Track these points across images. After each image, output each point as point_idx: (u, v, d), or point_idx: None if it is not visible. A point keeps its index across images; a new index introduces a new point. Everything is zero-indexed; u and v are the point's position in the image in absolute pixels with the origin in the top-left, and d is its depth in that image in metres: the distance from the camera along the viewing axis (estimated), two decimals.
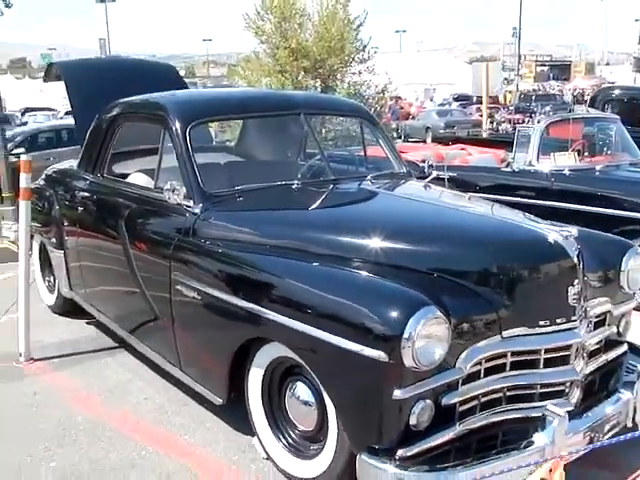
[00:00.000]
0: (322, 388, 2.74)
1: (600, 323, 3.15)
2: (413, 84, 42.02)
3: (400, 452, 2.49)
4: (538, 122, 6.36)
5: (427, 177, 4.07)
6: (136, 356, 4.36)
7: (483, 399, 2.69)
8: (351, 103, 5.64)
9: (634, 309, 3.46)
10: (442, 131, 22.02)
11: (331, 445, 2.78)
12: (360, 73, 13.07)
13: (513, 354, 2.72)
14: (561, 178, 5.94)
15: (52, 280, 5.41)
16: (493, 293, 2.73)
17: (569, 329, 2.81)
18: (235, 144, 5.41)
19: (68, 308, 5.23)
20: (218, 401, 3.28)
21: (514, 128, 8.80)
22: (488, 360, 2.66)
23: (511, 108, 25.59)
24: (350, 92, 12.44)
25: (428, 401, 2.52)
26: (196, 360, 3.52)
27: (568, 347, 2.82)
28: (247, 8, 12.93)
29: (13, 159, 9.64)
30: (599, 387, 3.12)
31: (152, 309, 3.75)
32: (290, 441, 3.04)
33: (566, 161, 6.05)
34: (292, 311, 2.75)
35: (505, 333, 2.68)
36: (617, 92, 9.80)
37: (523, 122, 10.29)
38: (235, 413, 3.43)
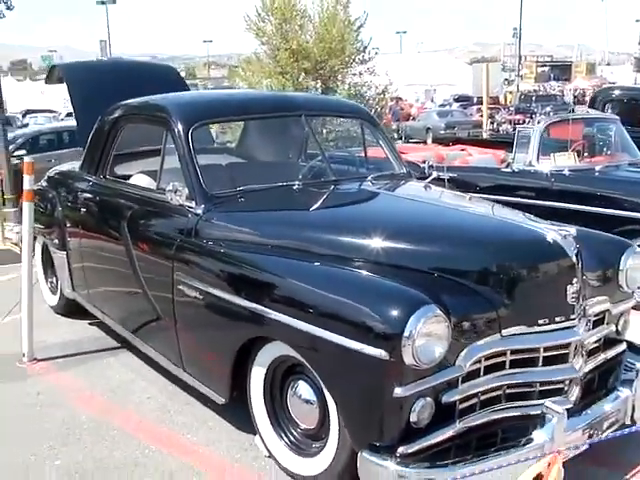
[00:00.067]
0: (323, 386, 2.77)
1: (599, 322, 3.18)
2: (414, 85, 42.05)
3: (401, 449, 2.52)
4: (538, 123, 6.38)
5: (427, 178, 4.10)
6: (139, 356, 4.39)
7: (483, 397, 2.72)
8: (352, 104, 5.67)
9: (633, 308, 3.49)
10: (443, 132, 22.05)
11: (332, 443, 2.81)
12: (361, 74, 13.10)
13: (512, 352, 2.75)
14: (561, 178, 5.96)
15: (55, 281, 5.45)
16: (493, 292, 2.76)
17: (568, 327, 2.84)
18: (236, 145, 5.44)
19: (71, 309, 5.27)
20: (221, 400, 3.31)
21: (514, 129, 8.83)
22: (488, 358, 2.69)
23: (511, 109, 25.64)
24: (351, 93, 12.48)
25: (428, 399, 2.55)
26: (198, 360, 3.55)
27: (567, 345, 2.85)
28: (248, 9, 12.98)
29: (15, 161, 9.69)
30: (598, 385, 3.14)
31: (154, 309, 3.78)
32: (292, 439, 3.07)
33: (566, 161, 6.07)
34: (294, 310, 2.78)
35: (504, 331, 2.71)
36: (617, 92, 9.82)
37: (524, 123, 10.32)
38: (237, 412, 3.46)
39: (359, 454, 2.60)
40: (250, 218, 3.54)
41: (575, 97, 25.04)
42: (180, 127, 3.70)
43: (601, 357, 3.21)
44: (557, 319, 2.82)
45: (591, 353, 3.14)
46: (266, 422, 3.16)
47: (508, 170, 6.44)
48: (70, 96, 5.37)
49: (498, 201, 4.03)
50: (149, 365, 4.26)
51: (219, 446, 3.37)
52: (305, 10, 12.79)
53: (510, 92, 35.54)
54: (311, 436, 2.99)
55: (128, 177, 4.48)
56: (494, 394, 2.76)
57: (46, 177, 5.61)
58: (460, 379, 2.63)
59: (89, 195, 4.66)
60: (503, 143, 8.08)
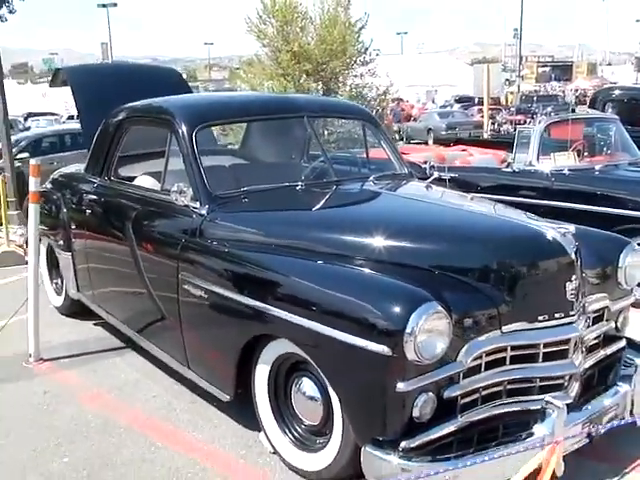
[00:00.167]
0: (327, 383, 2.81)
1: (598, 318, 3.23)
2: (415, 86, 42.13)
3: (404, 443, 2.57)
4: (539, 123, 6.43)
5: (429, 178, 4.15)
6: (144, 355, 4.44)
7: (484, 392, 2.77)
8: (353, 105, 5.73)
9: (632, 305, 3.54)
10: (444, 133, 22.12)
11: (336, 438, 2.85)
12: (362, 76, 13.15)
13: (513, 348, 2.79)
14: (561, 178, 6.00)
15: (59, 282, 5.50)
16: (493, 289, 2.81)
17: (567, 324, 2.89)
18: (239, 147, 5.49)
19: (75, 309, 5.32)
20: (225, 398, 3.36)
21: (515, 129, 8.87)
22: (488, 354, 2.74)
23: (512, 109, 25.68)
24: (352, 95, 12.52)
25: (430, 394, 2.60)
26: (203, 358, 3.59)
27: (567, 341, 2.89)
28: (249, 11, 13.03)
29: (17, 164, 9.74)
30: (598, 381, 3.19)
31: (160, 309, 3.83)
32: (296, 435, 3.12)
33: (566, 161, 6.11)
34: (298, 308, 2.83)
35: (505, 328, 2.76)
36: (617, 92, 9.87)
37: (525, 123, 10.37)
38: (241, 410, 3.51)
39: (362, 449, 2.65)
40: (254, 218, 3.59)
41: (577, 97, 25.07)
42: (184, 129, 3.76)
43: (601, 353, 3.26)
44: (557, 315, 2.86)
45: (591, 349, 3.20)
46: (271, 419, 3.21)
47: (509, 170, 6.48)
48: (74, 99, 5.42)
49: (499, 201, 4.08)
50: (154, 364, 4.30)
51: (224, 443, 3.42)
52: (306, 12, 12.84)
53: (511, 92, 35.61)
54: (315, 432, 3.04)
55: (132, 179, 4.53)
56: (495, 389, 2.81)
57: (50, 179, 5.66)
58: (461, 375, 2.68)
59: (94, 196, 4.71)
60: (504, 143, 8.12)
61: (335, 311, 2.71)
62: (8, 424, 3.73)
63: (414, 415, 2.59)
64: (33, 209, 4.48)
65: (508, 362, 2.80)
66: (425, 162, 4.63)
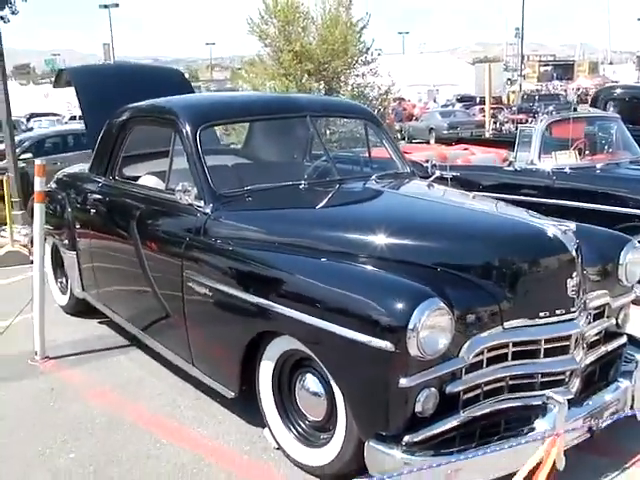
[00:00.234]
0: (331, 379, 2.85)
1: (599, 315, 3.27)
2: (416, 85, 42.15)
3: (407, 438, 2.60)
4: (540, 121, 6.45)
5: (430, 177, 4.18)
6: (148, 353, 4.48)
7: (486, 388, 2.81)
8: (355, 105, 5.76)
9: (632, 303, 3.57)
10: (446, 132, 22.14)
11: (340, 434, 2.88)
12: (364, 75, 13.20)
13: (514, 344, 2.83)
14: (562, 176, 6.04)
15: (64, 281, 5.54)
16: (495, 286, 2.84)
17: (568, 320, 2.92)
18: (242, 146, 5.52)
19: (80, 308, 5.36)
20: (230, 394, 3.39)
21: (517, 128, 8.89)
22: (490, 350, 2.77)
23: (514, 108, 25.68)
24: (354, 94, 12.57)
25: (433, 389, 2.64)
26: (208, 355, 3.63)
27: (567, 337, 2.92)
28: (250, 12, 13.08)
29: (21, 164, 9.79)
30: (599, 377, 3.22)
31: (164, 307, 3.87)
32: (300, 431, 3.15)
33: (567, 160, 6.15)
34: (302, 305, 2.86)
35: (506, 324, 2.79)
36: (618, 91, 9.89)
37: (526, 122, 10.39)
38: (245, 406, 3.55)
39: (366, 443, 2.68)
40: (258, 216, 3.62)
41: (579, 96, 25.08)
42: (188, 128, 3.79)
43: (602, 350, 3.29)
44: (558, 312, 2.89)
45: (592, 346, 3.23)
46: (275, 415, 3.24)
47: (510, 169, 6.51)
48: (78, 99, 5.46)
49: (500, 199, 4.11)
50: (158, 362, 4.34)
51: (229, 439, 3.46)
52: (308, 12, 12.90)
53: (513, 92, 35.59)
54: (319, 428, 3.07)
55: (136, 178, 4.57)
56: (497, 385, 2.84)
57: (55, 179, 5.70)
58: (464, 370, 2.71)
59: (99, 196, 4.75)
60: (505, 142, 8.15)
61: (338, 308, 2.74)
62: (15, 421, 3.77)
63: (417, 410, 2.62)
64: (38, 208, 4.51)
65: (510, 358, 2.83)
66: (427, 161, 4.66)
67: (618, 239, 3.52)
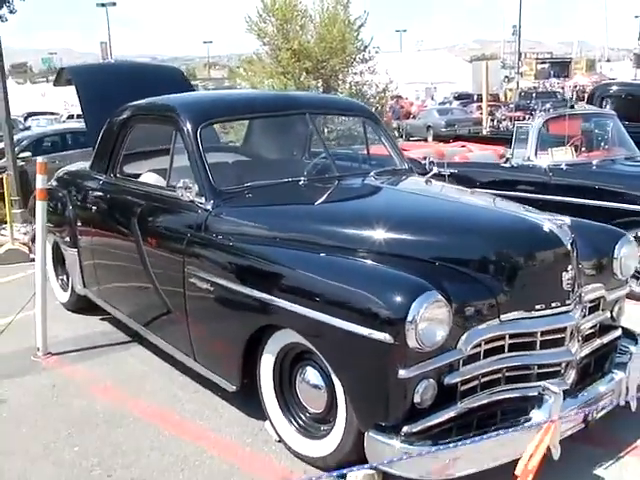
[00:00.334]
0: (331, 371, 2.90)
1: (594, 308, 3.33)
2: (414, 83, 42.14)
3: (405, 429, 2.66)
4: (537, 118, 6.50)
5: (428, 173, 4.23)
6: (150, 349, 4.53)
7: (483, 379, 2.86)
8: (354, 102, 5.81)
9: (627, 296, 3.62)
10: (443, 129, 22.17)
11: (340, 425, 2.94)
12: (361, 73, 13.23)
13: (511, 336, 2.89)
14: (559, 173, 6.09)
15: (65, 278, 5.59)
16: (492, 279, 2.90)
17: (564, 312, 2.98)
18: (242, 144, 5.57)
19: (81, 305, 5.40)
20: (232, 388, 3.44)
21: (514, 125, 8.94)
22: (487, 342, 2.83)
23: (512, 106, 25.72)
24: (352, 92, 12.61)
25: (431, 380, 2.69)
26: (210, 349, 3.68)
27: (563, 329, 2.98)
28: (248, 10, 13.11)
29: (20, 163, 9.83)
30: (594, 369, 3.28)
31: (166, 302, 3.91)
32: (301, 423, 3.21)
33: (564, 156, 6.20)
34: (302, 299, 2.92)
35: (503, 316, 2.85)
36: (615, 88, 9.94)
37: (524, 119, 10.43)
38: (246, 400, 3.59)
39: (366, 434, 2.74)
40: (258, 212, 3.67)
41: (576, 94, 25.13)
42: (189, 126, 3.84)
43: (597, 342, 3.36)
44: (553, 305, 2.96)
45: (587, 338, 3.29)
46: (276, 408, 3.29)
47: (507, 165, 6.56)
48: (79, 98, 5.50)
49: (498, 195, 4.16)
50: (160, 357, 4.39)
51: (230, 431, 3.51)
52: (306, 10, 12.93)
53: (510, 89, 35.64)
54: (319, 420, 3.13)
55: (137, 176, 4.61)
56: (494, 376, 2.90)
57: (56, 177, 5.74)
58: (461, 362, 2.77)
59: (100, 193, 4.79)
60: (503, 140, 8.20)
61: (338, 301, 2.80)
62: (19, 416, 3.82)
63: (415, 401, 2.68)
64: (40, 206, 4.56)
65: (506, 350, 2.89)
66: (425, 158, 4.71)
67: (613, 233, 3.58)
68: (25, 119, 30.32)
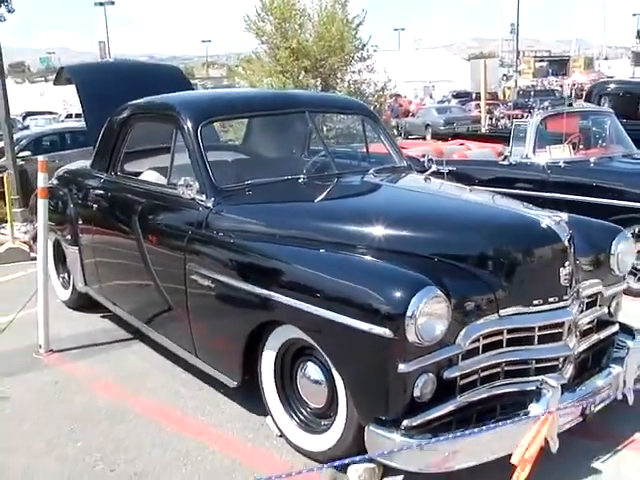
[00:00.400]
0: (332, 366, 2.93)
1: (592, 304, 3.36)
2: (412, 82, 42.19)
3: (405, 422, 2.69)
4: (535, 116, 6.54)
5: (427, 171, 4.26)
6: (151, 346, 4.56)
7: (482, 373, 2.90)
8: (353, 101, 5.84)
9: (624, 292, 3.66)
10: (442, 128, 22.18)
11: (341, 420, 2.97)
12: (360, 72, 13.26)
13: (509, 331, 2.92)
14: (557, 170, 6.12)
15: (66, 276, 5.61)
16: (490, 275, 2.93)
17: (561, 307, 3.01)
18: (241, 142, 5.60)
19: (82, 303, 5.43)
20: (233, 384, 3.47)
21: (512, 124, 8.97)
22: (486, 337, 2.86)
23: (510, 104, 25.77)
24: (350, 91, 12.64)
25: (431, 374, 2.73)
26: (211, 346, 3.71)
27: (561, 324, 3.01)
28: (246, 9, 13.14)
29: (19, 162, 9.85)
30: (592, 364, 3.31)
31: (167, 299, 3.94)
32: (302, 418, 3.24)
33: (561, 154, 6.23)
34: (303, 295, 2.94)
35: (502, 312, 2.88)
36: (612, 86, 9.98)
37: (522, 118, 10.47)
38: (247, 396, 3.63)
39: (366, 428, 2.77)
40: (258, 210, 3.70)
41: (574, 92, 25.15)
42: (190, 124, 3.86)
43: (594, 338, 3.39)
44: (551, 300, 2.99)
45: (585, 334, 3.32)
46: (277, 403, 3.32)
47: (505, 163, 6.60)
48: (79, 97, 5.52)
49: (496, 193, 4.19)
50: (161, 354, 4.42)
51: (232, 427, 3.54)
52: (304, 9, 12.96)
53: (508, 88, 35.72)
54: (320, 414, 3.16)
55: (138, 174, 4.64)
56: (493, 371, 2.93)
57: (56, 175, 5.76)
58: (460, 357, 2.80)
59: (101, 191, 4.82)
60: (501, 138, 8.23)
61: (339, 297, 2.83)
62: (22, 413, 3.85)
63: (415, 395, 2.71)
64: (42, 204, 4.58)
65: (505, 344, 2.92)
66: (423, 156, 4.74)
67: (610, 230, 3.61)
68: (23, 118, 30.33)
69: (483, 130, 13.22)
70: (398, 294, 2.65)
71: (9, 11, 14.98)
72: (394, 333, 2.61)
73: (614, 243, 3.46)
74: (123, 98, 4.83)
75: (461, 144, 8.83)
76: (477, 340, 2.83)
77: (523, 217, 3.16)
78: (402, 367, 2.64)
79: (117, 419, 3.70)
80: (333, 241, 3.15)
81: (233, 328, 3.40)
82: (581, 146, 6.39)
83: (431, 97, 40.46)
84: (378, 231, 3.12)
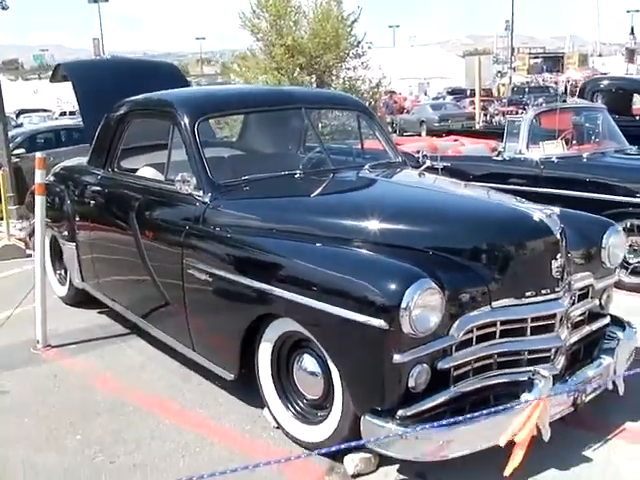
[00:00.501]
0: (328, 358, 2.98)
1: (583, 296, 3.42)
2: (407, 78, 42.24)
3: (400, 412, 2.75)
4: (529, 112, 6.59)
5: (421, 166, 4.31)
6: (148, 340, 4.60)
7: (475, 364, 2.96)
8: (348, 97, 5.88)
9: (616, 287, 3.71)
10: (436, 124, 22.27)
11: (337, 410, 3.02)
12: (355, 69, 13.27)
13: (502, 323, 2.98)
14: (550, 165, 6.18)
15: (63, 273, 5.64)
16: (483, 267, 2.99)
17: (553, 299, 3.07)
18: (237, 139, 5.64)
19: (80, 299, 5.46)
20: (230, 377, 3.52)
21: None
22: (479, 328, 2.92)
23: (504, 101, 25.85)
24: (345, 87, 12.64)
25: (425, 365, 2.78)
26: (208, 339, 3.75)
27: (553, 316, 3.07)
28: (241, 6, 13.12)
29: (14, 159, 9.86)
30: (583, 356, 3.37)
31: (165, 294, 3.98)
32: (298, 409, 3.29)
33: (555, 149, 6.29)
34: (299, 288, 2.99)
35: (494, 303, 2.94)
36: (605, 82, 10.03)
37: (516, 114, 10.52)
38: (245, 389, 3.67)
39: (362, 418, 2.82)
40: (255, 205, 3.74)
41: (569, 88, 25.24)
42: (186, 121, 3.90)
43: (586, 329, 3.45)
44: (543, 292, 3.05)
45: (576, 326, 3.38)
46: (274, 395, 3.37)
47: (499, 158, 6.64)
48: (75, 94, 5.54)
49: (490, 188, 4.24)
50: (159, 348, 4.46)
51: (229, 419, 3.59)
52: (299, 6, 12.94)
53: (503, 84, 35.79)
54: (316, 405, 3.21)
55: (135, 170, 4.67)
56: (486, 362, 2.99)
57: (53, 172, 5.78)
58: (454, 348, 2.85)
59: (98, 188, 4.85)
60: (495, 134, 8.28)
61: (335, 289, 2.87)
62: (22, 407, 3.88)
63: (410, 385, 2.76)
64: (40, 200, 4.61)
65: (498, 336, 2.98)
66: (418, 152, 4.79)
67: (601, 223, 3.67)
68: (17, 116, 30.20)
69: (477, 127, 13.30)
70: (393, 286, 2.70)
71: (3, 8, 14.95)
72: (389, 324, 2.66)
73: (605, 236, 3.52)
74: (120, 95, 4.86)
75: (455, 140, 8.88)
76: (470, 331, 2.88)
77: (515, 211, 3.21)
78: (397, 358, 2.69)
79: (116, 412, 3.74)
80: (329, 235, 3.20)
81: (230, 322, 3.45)
82: (574, 142, 6.44)
83: (426, 94, 40.53)
84: (373, 225, 3.17)
